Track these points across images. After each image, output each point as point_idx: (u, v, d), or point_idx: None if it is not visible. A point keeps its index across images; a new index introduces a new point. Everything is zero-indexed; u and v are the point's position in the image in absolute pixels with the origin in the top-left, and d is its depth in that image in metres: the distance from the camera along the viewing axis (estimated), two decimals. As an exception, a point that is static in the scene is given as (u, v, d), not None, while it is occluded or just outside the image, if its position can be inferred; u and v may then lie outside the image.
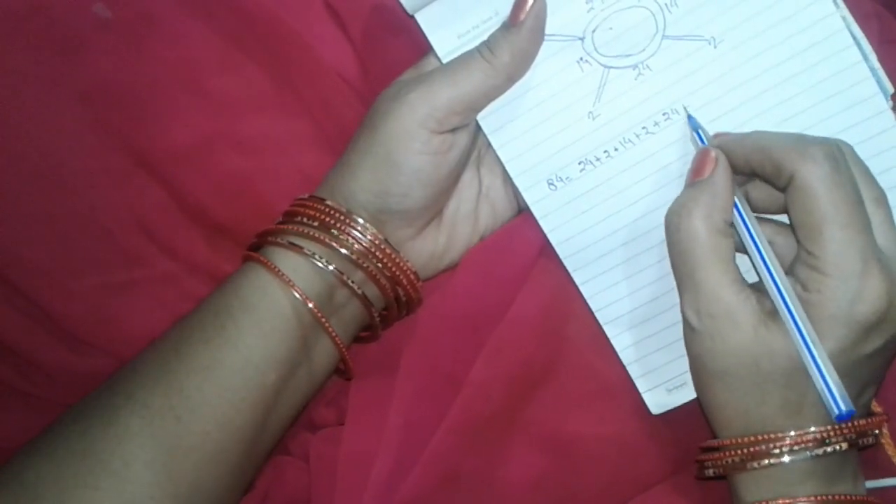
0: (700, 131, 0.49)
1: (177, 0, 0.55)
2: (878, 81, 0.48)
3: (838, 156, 0.45)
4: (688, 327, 0.47)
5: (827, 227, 0.44)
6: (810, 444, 0.45)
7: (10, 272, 0.53)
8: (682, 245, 0.46)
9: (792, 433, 0.45)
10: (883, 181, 0.47)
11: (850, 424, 0.45)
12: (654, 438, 0.52)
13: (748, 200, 0.49)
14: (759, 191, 0.48)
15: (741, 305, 0.45)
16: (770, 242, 0.47)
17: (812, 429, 0.45)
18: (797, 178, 0.44)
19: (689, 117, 0.50)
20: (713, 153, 0.47)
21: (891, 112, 0.48)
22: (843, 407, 0.43)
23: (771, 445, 0.45)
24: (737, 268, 0.46)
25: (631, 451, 0.52)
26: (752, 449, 0.45)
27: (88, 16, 0.54)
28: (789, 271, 0.46)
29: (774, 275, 0.45)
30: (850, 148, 0.47)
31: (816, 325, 0.44)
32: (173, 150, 0.54)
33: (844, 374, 0.44)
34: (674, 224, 0.47)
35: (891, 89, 0.49)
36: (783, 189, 0.46)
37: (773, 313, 0.45)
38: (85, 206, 0.54)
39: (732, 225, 0.47)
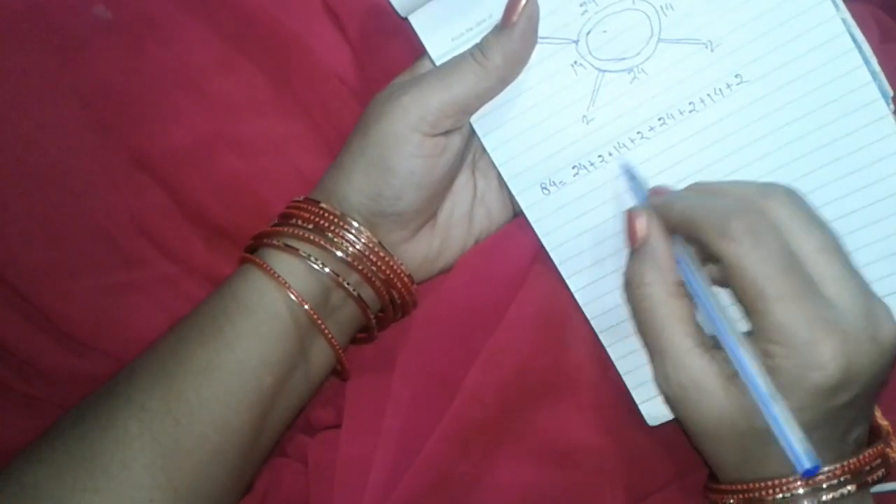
0: (634, 182, 0.48)
1: (177, 2, 0.55)
2: (879, 86, 0.47)
3: (758, 225, 0.43)
4: (662, 393, 0.47)
5: (762, 303, 0.42)
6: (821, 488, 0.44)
7: (9, 273, 0.53)
8: (643, 315, 0.46)
9: (789, 479, 0.44)
10: (882, 188, 0.47)
11: (846, 464, 0.44)
12: (650, 449, 0.51)
13: None
14: None
15: (705, 370, 0.44)
16: None
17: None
18: (722, 258, 0.43)
19: (624, 166, 0.49)
20: (639, 221, 0.47)
21: (891, 117, 0.47)
22: (807, 464, 0.41)
23: (770, 491, 0.44)
24: (699, 328, 0.45)
25: (627, 461, 0.51)
26: (750, 494, 0.45)
27: (88, 17, 0.54)
28: None
29: (728, 334, 0.44)
30: (790, 196, 0.44)
31: (778, 390, 0.42)
32: (173, 151, 0.55)
33: (820, 424, 0.43)
34: (630, 296, 0.47)
35: (891, 93, 0.47)
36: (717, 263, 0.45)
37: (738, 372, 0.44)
38: (84, 207, 0.54)
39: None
